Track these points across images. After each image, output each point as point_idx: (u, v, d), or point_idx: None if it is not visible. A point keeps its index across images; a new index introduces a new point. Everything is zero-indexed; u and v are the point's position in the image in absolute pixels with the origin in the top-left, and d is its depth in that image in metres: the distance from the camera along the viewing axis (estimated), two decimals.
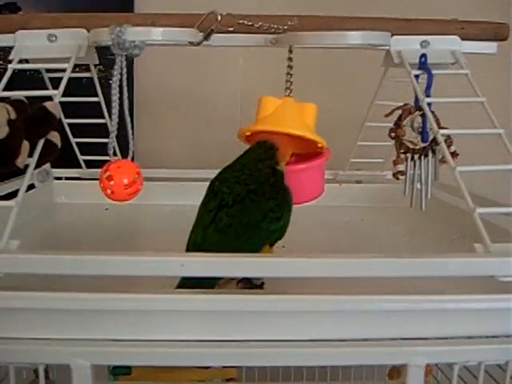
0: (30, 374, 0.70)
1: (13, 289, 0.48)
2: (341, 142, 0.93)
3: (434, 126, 0.63)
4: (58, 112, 0.60)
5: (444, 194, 0.87)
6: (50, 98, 0.63)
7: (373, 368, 0.93)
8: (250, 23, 0.67)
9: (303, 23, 0.71)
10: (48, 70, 0.82)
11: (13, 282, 0.49)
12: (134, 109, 1.21)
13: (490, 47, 0.73)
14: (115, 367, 0.84)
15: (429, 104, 0.66)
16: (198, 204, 0.62)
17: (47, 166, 0.73)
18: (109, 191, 0.63)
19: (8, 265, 0.48)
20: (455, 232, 0.82)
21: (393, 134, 0.70)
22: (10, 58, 0.69)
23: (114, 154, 0.86)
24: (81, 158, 0.98)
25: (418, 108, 0.69)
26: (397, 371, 0.76)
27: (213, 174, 0.64)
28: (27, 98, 0.62)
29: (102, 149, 0.70)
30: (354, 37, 0.65)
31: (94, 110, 0.88)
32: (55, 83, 0.69)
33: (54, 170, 1.02)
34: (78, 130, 0.94)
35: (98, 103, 0.86)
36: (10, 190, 0.77)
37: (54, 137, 0.61)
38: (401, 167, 0.69)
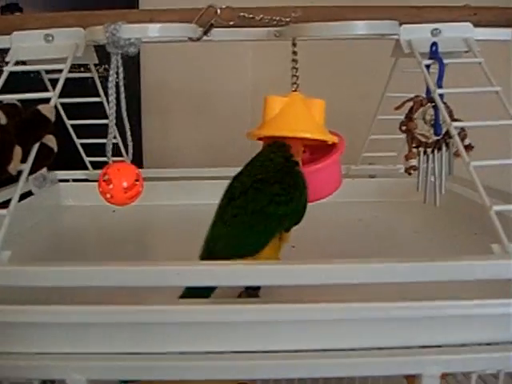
0: None
1: (6, 302, 0.46)
2: (353, 136, 0.90)
3: (447, 118, 0.60)
4: (52, 115, 0.58)
5: (460, 187, 0.84)
6: (49, 100, 0.61)
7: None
8: (250, 16, 0.64)
9: (307, 14, 0.68)
10: (49, 71, 0.80)
11: (5, 294, 0.47)
12: (142, 107, 1.19)
13: (504, 34, 0.69)
14: None
15: (441, 95, 0.62)
16: (209, 203, 0.59)
17: (44, 170, 0.72)
18: (108, 195, 0.61)
19: None
20: (473, 227, 0.78)
21: (404, 128, 0.67)
22: (7, 59, 0.67)
23: (120, 155, 0.85)
24: (86, 159, 0.96)
25: (430, 100, 0.65)
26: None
27: (224, 172, 0.62)
28: (25, 100, 0.60)
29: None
30: (361, 27, 0.62)
31: (100, 111, 0.85)
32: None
33: (61, 172, 1.01)
34: (84, 131, 0.93)
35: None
36: (5, 199, 0.75)
37: (50, 140, 0.59)
38: (413, 162, 0.66)
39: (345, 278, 0.46)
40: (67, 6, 1.10)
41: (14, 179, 0.57)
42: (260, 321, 0.47)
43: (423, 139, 0.66)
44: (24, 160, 0.55)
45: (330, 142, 0.64)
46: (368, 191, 0.99)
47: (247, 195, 0.56)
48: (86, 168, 0.99)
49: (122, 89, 0.61)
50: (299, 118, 0.63)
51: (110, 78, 0.60)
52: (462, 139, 0.64)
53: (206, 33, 0.65)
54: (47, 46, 0.68)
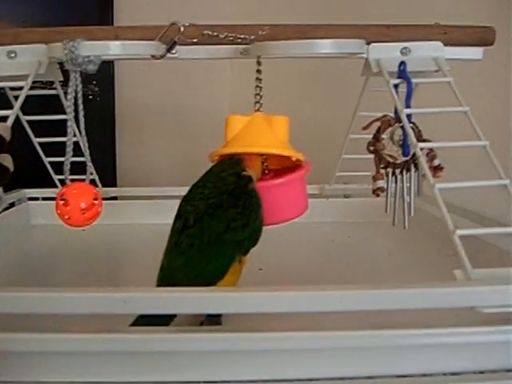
0: None
1: None
2: (327, 155, 0.90)
3: (413, 139, 0.59)
4: (8, 133, 0.56)
5: (432, 207, 0.82)
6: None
7: None
8: (215, 34, 0.63)
9: (275, 32, 0.67)
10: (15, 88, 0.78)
11: None
12: (116, 124, 1.17)
13: (475, 53, 0.69)
14: None
15: (409, 115, 0.61)
16: None
17: (0, 190, 0.70)
18: (66, 217, 0.59)
19: None
20: (446, 249, 0.77)
21: (371, 148, 0.66)
22: None
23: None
24: (55, 177, 0.95)
25: (398, 119, 0.64)
26: None
27: None
28: None
29: (80, 167, 0.69)
30: (326, 45, 0.61)
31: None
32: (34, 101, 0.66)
33: (29, 190, 0.99)
34: (58, 148, 0.91)
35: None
36: None
37: (5, 159, 0.57)
38: (381, 183, 0.65)
39: (306, 307, 0.45)
40: (39, 22, 1.09)
41: None
42: (225, 350, 0.45)
43: (391, 160, 0.65)
44: None
45: (293, 158, 0.62)
46: (341, 211, 0.98)
47: (202, 223, 0.54)
48: (55, 185, 0.97)
49: (80, 107, 0.59)
50: (260, 134, 0.61)
51: (69, 97, 0.58)
52: (431, 160, 0.63)
53: (169, 50, 0.63)
54: (10, 62, 0.67)
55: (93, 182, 0.63)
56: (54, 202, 0.96)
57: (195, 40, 0.64)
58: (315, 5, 1.13)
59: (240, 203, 0.55)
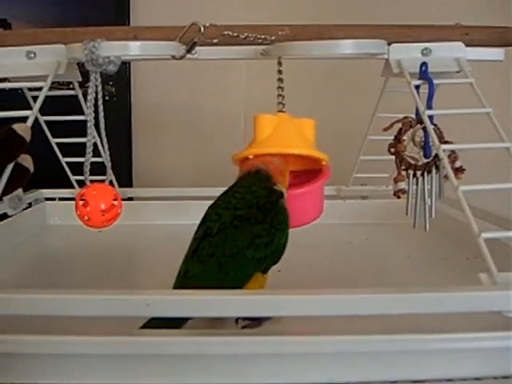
0: None
1: None
2: (344, 157, 0.89)
3: (436, 140, 0.58)
4: (28, 134, 0.56)
5: (453, 209, 0.81)
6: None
7: None
8: (235, 34, 0.63)
9: (295, 33, 0.66)
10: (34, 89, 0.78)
11: None
12: (132, 126, 1.17)
13: (496, 54, 0.68)
14: None
15: (430, 117, 0.61)
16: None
17: (19, 191, 0.70)
18: (85, 218, 0.59)
19: None
20: (466, 252, 0.76)
21: (393, 150, 0.65)
22: None
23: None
24: (72, 178, 0.95)
25: (420, 121, 0.63)
26: None
27: (214, 192, 0.60)
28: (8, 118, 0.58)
29: (98, 168, 0.68)
30: (347, 46, 0.61)
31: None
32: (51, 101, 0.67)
33: (47, 190, 0.99)
34: (75, 149, 0.91)
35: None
36: None
37: (25, 160, 0.57)
38: (402, 185, 0.64)
39: (325, 311, 0.44)
40: (56, 23, 1.10)
41: None
42: (244, 354, 0.45)
43: (412, 161, 0.64)
44: None
45: (323, 163, 0.62)
46: (359, 213, 0.97)
47: (226, 233, 0.52)
48: (72, 186, 0.97)
49: (100, 107, 0.59)
50: (292, 136, 0.61)
51: (89, 97, 0.58)
52: (453, 162, 0.62)
53: (189, 51, 0.63)
54: (29, 63, 0.67)
55: (109, 182, 0.63)
56: (70, 203, 0.97)
57: (215, 40, 0.63)
58: (335, 5, 1.13)
59: (268, 219, 0.54)
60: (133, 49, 0.60)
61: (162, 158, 1.22)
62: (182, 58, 0.63)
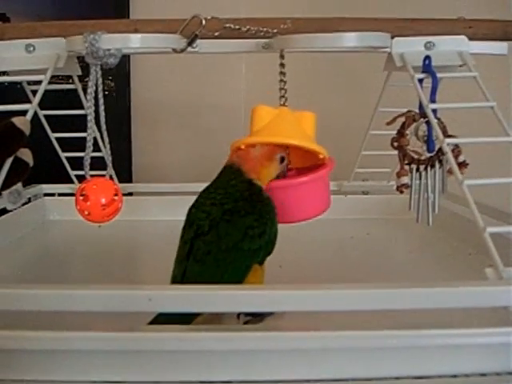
0: None
1: None
2: (346, 151, 0.88)
3: (440, 134, 0.58)
4: (27, 127, 0.55)
5: (455, 205, 0.81)
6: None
7: None
8: (236, 27, 0.62)
9: (297, 26, 0.66)
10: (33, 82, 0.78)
11: None
12: (132, 120, 1.16)
13: (500, 48, 0.67)
14: None
15: (434, 110, 0.60)
16: None
17: (19, 185, 0.69)
18: (86, 212, 0.58)
19: None
20: (469, 247, 0.76)
21: (395, 144, 0.65)
22: None
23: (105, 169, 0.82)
24: (72, 172, 0.94)
25: (423, 115, 0.63)
26: None
27: None
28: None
29: (97, 163, 0.68)
30: (350, 38, 0.60)
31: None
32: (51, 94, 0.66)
33: (46, 185, 0.98)
34: (74, 143, 0.90)
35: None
36: None
37: (25, 154, 0.56)
38: (405, 179, 0.64)
39: (327, 306, 0.43)
40: (55, 16, 1.09)
41: None
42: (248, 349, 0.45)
43: (415, 156, 0.64)
44: None
45: (320, 156, 0.61)
46: (360, 208, 0.97)
47: (219, 229, 0.53)
48: (72, 181, 0.96)
49: (101, 101, 0.58)
50: (289, 128, 0.60)
51: (89, 91, 0.57)
52: (456, 156, 0.61)
53: (190, 44, 0.62)
54: (28, 56, 0.66)
55: (110, 177, 0.62)
56: (69, 198, 0.97)
57: (217, 33, 0.63)
58: None
59: (256, 210, 0.54)
60: (134, 41, 0.59)
61: (161, 153, 1.21)
62: (182, 51, 0.63)
